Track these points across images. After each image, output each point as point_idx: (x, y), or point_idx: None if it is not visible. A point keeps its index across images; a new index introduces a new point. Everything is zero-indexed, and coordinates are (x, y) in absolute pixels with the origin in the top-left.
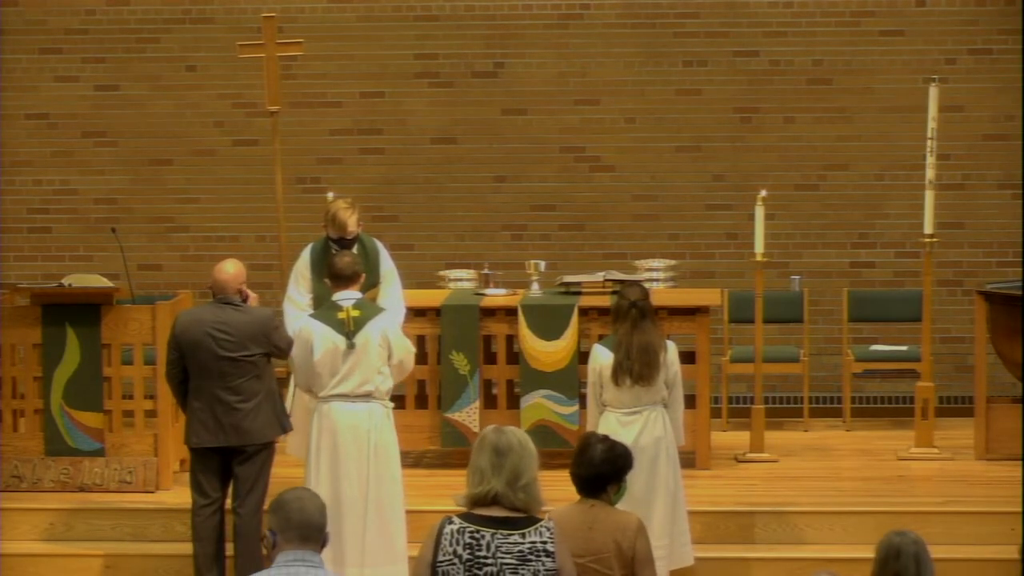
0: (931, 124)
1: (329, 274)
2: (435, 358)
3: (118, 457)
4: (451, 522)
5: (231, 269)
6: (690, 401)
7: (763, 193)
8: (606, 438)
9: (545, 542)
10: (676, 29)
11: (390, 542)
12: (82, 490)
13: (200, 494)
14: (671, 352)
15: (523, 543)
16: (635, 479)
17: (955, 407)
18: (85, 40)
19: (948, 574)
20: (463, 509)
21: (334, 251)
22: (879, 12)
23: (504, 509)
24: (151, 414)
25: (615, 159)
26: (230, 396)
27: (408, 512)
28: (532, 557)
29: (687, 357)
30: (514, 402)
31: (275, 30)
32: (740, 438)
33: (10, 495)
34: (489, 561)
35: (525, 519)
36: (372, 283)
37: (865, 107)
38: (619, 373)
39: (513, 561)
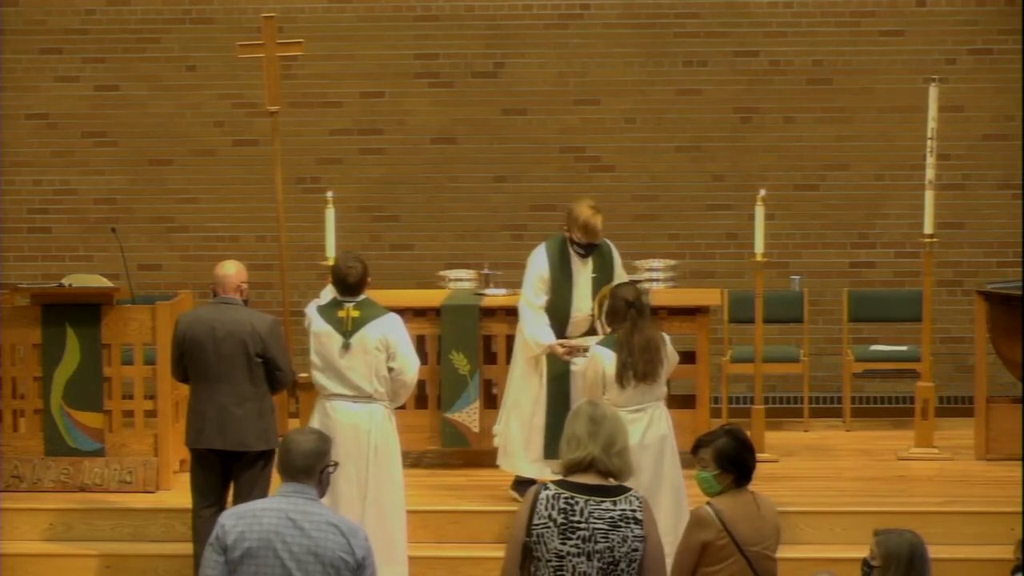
0: (931, 124)
1: (334, 280)
2: (435, 358)
3: (118, 457)
4: (547, 488)
5: (231, 267)
6: (690, 401)
7: (763, 193)
8: None
9: (635, 510)
10: (676, 29)
11: (389, 543)
12: (82, 490)
13: (200, 495)
14: (669, 344)
15: (614, 510)
16: (641, 476)
17: (955, 407)
18: (85, 40)
19: (948, 574)
20: (558, 477)
21: (575, 250)
22: (879, 12)
23: (598, 476)
24: (151, 414)
25: (615, 159)
26: (227, 399)
27: (408, 512)
28: (622, 523)
29: (687, 357)
30: None
31: (275, 30)
32: None
33: (10, 495)
34: (582, 525)
35: (616, 488)
36: (606, 281)
37: (865, 107)
38: (623, 375)
39: (604, 526)
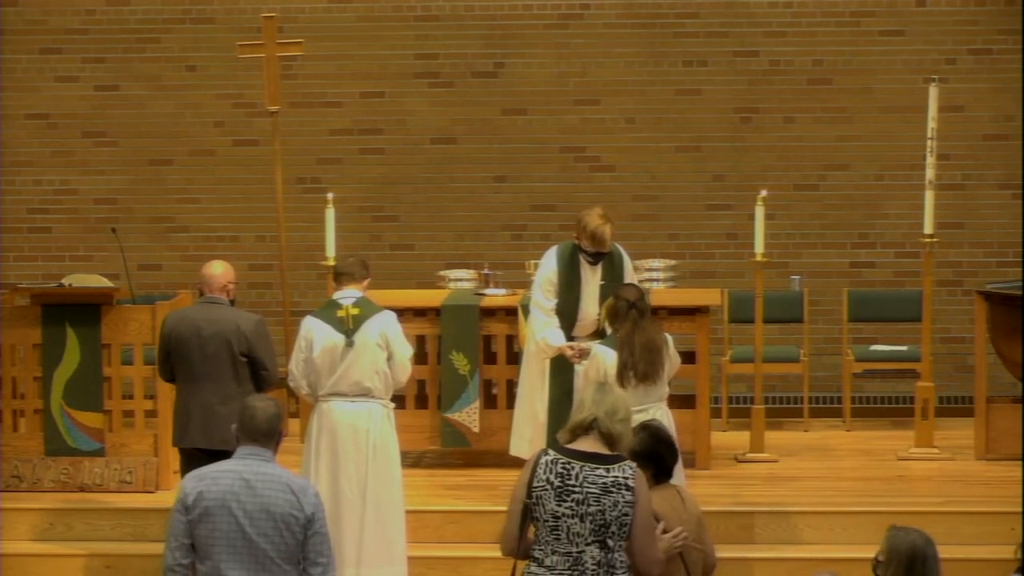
0: (931, 124)
1: (334, 273)
2: (435, 358)
3: (118, 457)
4: (547, 454)
5: (219, 267)
6: (690, 401)
7: (763, 193)
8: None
9: (627, 478)
10: (676, 29)
11: (388, 543)
12: (82, 490)
13: None
14: (671, 345)
15: (607, 476)
16: None
17: (955, 407)
18: (85, 40)
19: (948, 574)
20: (559, 444)
21: (585, 258)
22: (879, 12)
23: (598, 442)
24: (151, 414)
25: (615, 159)
26: (211, 398)
27: (408, 512)
28: (614, 489)
29: (687, 357)
30: (514, 402)
31: (275, 30)
32: (740, 438)
33: (10, 495)
34: (576, 489)
35: (612, 456)
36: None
37: (865, 107)
38: (624, 374)
39: (597, 491)
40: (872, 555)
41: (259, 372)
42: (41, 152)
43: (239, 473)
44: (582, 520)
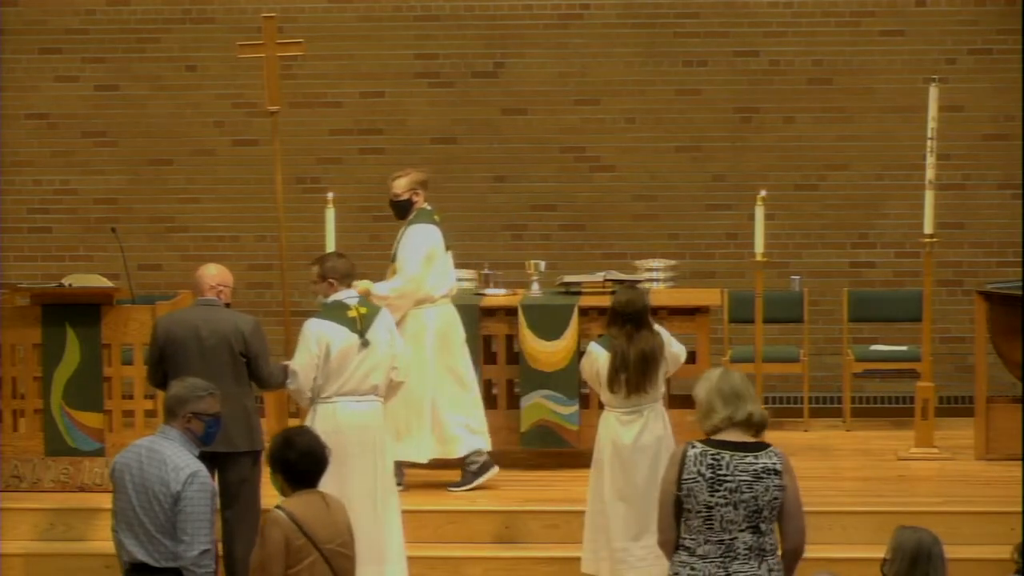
0: (931, 124)
1: (343, 274)
2: None
3: None
4: (693, 447)
5: (211, 269)
6: (690, 401)
7: (763, 193)
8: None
9: (775, 463)
10: (676, 29)
11: (388, 541)
12: (82, 490)
13: None
14: (670, 344)
15: (756, 463)
16: (637, 477)
17: (955, 407)
18: (85, 40)
19: (948, 574)
20: (703, 436)
21: None
22: (879, 12)
23: (741, 432)
24: (151, 414)
25: (615, 159)
26: None
27: (407, 512)
28: (764, 475)
29: (687, 357)
30: (514, 402)
31: (275, 30)
32: None
33: (10, 495)
34: (728, 478)
35: (756, 444)
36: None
37: (865, 107)
38: (615, 382)
39: (748, 478)
40: (873, 555)
41: (257, 373)
42: (41, 152)
43: (142, 447)
44: (735, 508)
